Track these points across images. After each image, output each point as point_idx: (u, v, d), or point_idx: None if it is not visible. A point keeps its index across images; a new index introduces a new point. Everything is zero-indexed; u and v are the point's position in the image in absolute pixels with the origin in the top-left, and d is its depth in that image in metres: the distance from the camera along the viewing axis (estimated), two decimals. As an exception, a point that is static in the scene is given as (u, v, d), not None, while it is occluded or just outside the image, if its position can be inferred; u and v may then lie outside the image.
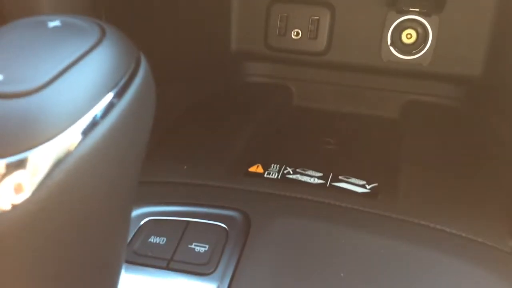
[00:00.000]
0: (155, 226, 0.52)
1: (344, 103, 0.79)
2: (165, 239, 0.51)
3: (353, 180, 0.58)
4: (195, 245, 0.50)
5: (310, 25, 0.77)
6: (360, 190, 0.57)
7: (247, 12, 0.80)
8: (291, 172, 0.60)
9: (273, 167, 0.61)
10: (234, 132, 0.69)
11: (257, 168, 0.60)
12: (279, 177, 0.59)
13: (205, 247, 0.50)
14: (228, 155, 0.64)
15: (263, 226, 0.51)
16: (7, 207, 0.24)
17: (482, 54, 0.73)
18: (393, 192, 0.57)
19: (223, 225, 0.52)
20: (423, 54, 0.74)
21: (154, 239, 0.51)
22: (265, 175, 0.59)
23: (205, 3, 0.76)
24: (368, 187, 0.57)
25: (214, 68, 0.80)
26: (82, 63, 0.26)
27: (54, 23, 0.29)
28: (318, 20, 0.76)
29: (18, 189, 0.25)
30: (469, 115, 0.73)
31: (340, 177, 0.59)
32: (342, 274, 0.47)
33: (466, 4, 0.72)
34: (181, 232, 0.51)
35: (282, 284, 0.46)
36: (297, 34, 0.78)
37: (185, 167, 0.60)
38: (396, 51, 0.75)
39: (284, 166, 0.61)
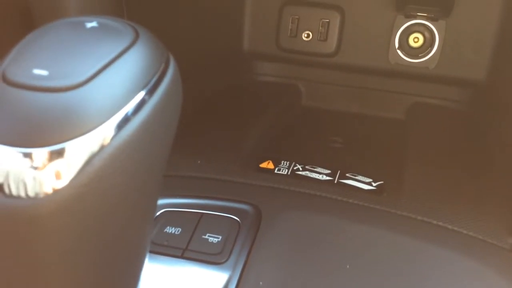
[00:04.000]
0: (171, 217, 0.54)
1: (351, 104, 0.81)
2: (180, 229, 0.53)
3: (360, 177, 0.61)
4: (208, 236, 0.52)
5: (320, 28, 0.79)
6: (366, 187, 0.59)
7: (259, 14, 0.83)
8: (301, 169, 0.62)
9: (283, 163, 0.63)
10: (246, 129, 0.72)
11: (268, 164, 0.63)
12: (289, 173, 0.61)
13: (218, 238, 0.52)
14: (240, 151, 0.66)
15: (273, 219, 0.54)
16: (49, 191, 0.27)
17: (487, 59, 0.75)
18: (398, 190, 0.59)
19: (235, 217, 0.54)
20: (429, 57, 0.77)
21: (169, 229, 0.53)
22: (276, 171, 0.62)
23: (220, 6, 0.79)
24: (374, 184, 0.60)
25: (227, 67, 0.83)
26: (118, 62, 0.29)
27: (91, 24, 0.31)
28: (328, 22, 0.79)
29: (58, 175, 0.27)
30: (473, 117, 0.75)
31: (347, 175, 0.61)
32: (348, 266, 0.49)
33: (472, 10, 0.74)
34: (195, 223, 0.54)
35: (291, 274, 0.49)
36: (308, 35, 0.80)
37: (198, 161, 0.63)
38: (403, 54, 0.78)
39: (293, 163, 0.63)
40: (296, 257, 0.50)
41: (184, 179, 0.60)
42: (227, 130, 0.72)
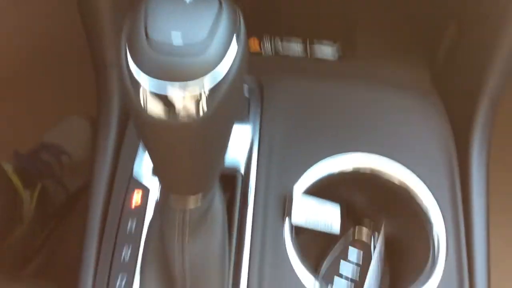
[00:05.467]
0: None
1: None
2: None
3: (325, 42, 0.81)
4: None
5: None
6: (331, 57, 0.80)
7: None
8: (280, 41, 0.81)
9: (266, 37, 0.81)
10: None
11: (254, 40, 0.81)
12: (273, 46, 0.80)
13: None
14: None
15: (273, 85, 0.74)
16: (192, 112, 0.42)
17: None
18: (353, 49, 0.81)
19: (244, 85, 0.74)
20: None
21: None
22: (263, 43, 0.80)
23: None
24: (338, 50, 0.80)
25: None
26: (219, 21, 0.44)
27: None
28: None
29: (199, 99, 0.42)
30: None
31: (315, 40, 0.81)
32: (333, 110, 0.73)
33: None
34: None
35: (294, 121, 0.72)
36: None
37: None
38: None
39: (274, 37, 0.81)
40: (294, 111, 0.73)
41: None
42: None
